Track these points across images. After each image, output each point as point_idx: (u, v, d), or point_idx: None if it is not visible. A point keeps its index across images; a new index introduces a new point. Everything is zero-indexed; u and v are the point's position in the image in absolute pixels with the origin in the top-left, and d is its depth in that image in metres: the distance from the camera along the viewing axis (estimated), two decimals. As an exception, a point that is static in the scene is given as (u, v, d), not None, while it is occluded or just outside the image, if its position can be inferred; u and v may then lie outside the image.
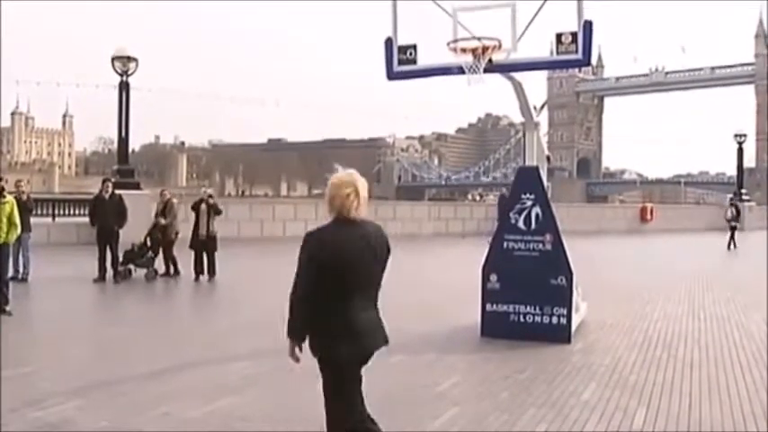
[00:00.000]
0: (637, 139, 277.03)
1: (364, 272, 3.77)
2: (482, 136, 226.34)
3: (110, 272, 13.06)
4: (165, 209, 13.99)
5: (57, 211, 22.20)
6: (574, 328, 8.52)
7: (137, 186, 21.22)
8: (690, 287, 13.78)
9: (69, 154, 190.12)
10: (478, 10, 7.93)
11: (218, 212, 14.03)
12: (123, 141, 21.81)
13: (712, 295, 12.75)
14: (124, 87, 21.15)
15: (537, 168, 8.89)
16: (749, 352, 8.12)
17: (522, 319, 8.42)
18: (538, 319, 8.38)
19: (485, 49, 7.85)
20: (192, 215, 13.96)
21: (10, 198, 9.87)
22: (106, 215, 13.17)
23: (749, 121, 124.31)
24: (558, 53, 7.99)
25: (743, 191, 41.36)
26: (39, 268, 13.05)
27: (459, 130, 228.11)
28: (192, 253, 13.61)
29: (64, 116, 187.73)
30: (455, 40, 7.96)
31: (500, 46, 7.89)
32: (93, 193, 14.66)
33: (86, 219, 14.46)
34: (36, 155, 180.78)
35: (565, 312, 8.33)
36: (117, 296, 12.14)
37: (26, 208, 11.95)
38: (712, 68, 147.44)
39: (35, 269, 12.89)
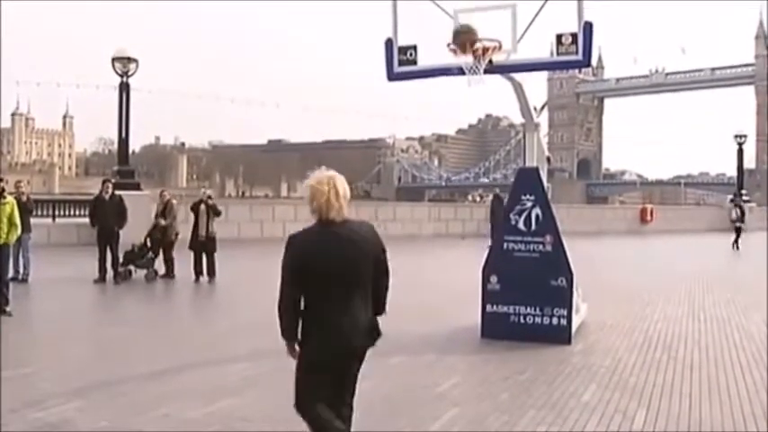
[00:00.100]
0: (637, 140, 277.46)
1: (347, 273, 3.73)
2: (482, 137, 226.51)
3: (110, 272, 13.06)
4: (165, 210, 13.99)
5: (57, 212, 22.18)
6: (574, 329, 8.51)
7: (137, 187, 21.23)
8: (690, 288, 13.78)
9: (69, 155, 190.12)
10: (479, 11, 7.93)
11: (218, 213, 14.03)
12: (123, 142, 21.84)
13: (712, 296, 12.75)
14: (124, 88, 21.17)
15: (537, 169, 8.89)
16: (749, 353, 8.12)
17: (522, 321, 8.42)
18: (538, 320, 8.37)
19: (485, 49, 7.84)
20: (192, 216, 13.97)
21: (10, 199, 9.88)
22: (106, 216, 13.17)
23: (749, 121, 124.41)
24: (558, 54, 7.98)
25: (743, 192, 41.32)
26: (39, 269, 13.05)
27: (460, 131, 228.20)
28: (192, 254, 13.60)
29: (64, 117, 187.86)
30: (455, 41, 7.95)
31: (500, 47, 7.88)
32: (94, 193, 14.66)
33: (86, 219, 14.46)
34: (36, 156, 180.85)
35: (565, 313, 8.33)
36: (117, 297, 12.14)
37: (26, 209, 11.95)
38: (712, 69, 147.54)
39: (35, 270, 12.89)
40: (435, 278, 15.20)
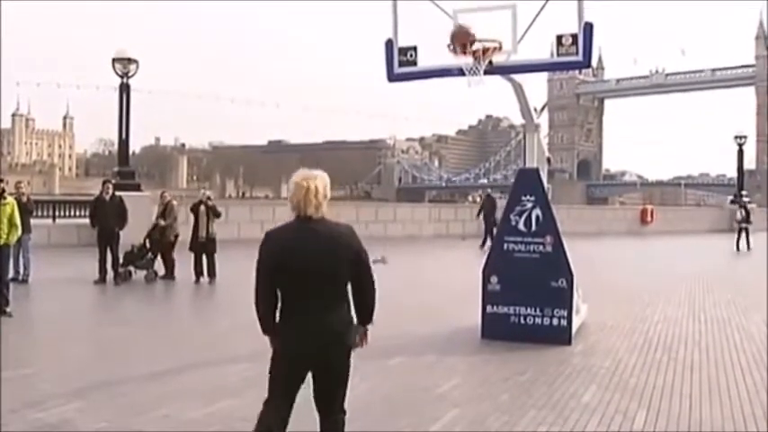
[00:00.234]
0: (637, 141, 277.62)
1: (318, 270, 3.70)
2: (482, 138, 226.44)
3: (110, 273, 13.06)
4: (166, 211, 13.99)
5: (57, 213, 22.16)
6: (574, 329, 8.52)
7: (137, 188, 21.23)
8: (690, 289, 13.77)
9: (70, 155, 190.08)
10: (479, 11, 7.93)
11: (218, 215, 14.01)
12: (124, 143, 21.84)
13: (713, 297, 12.74)
14: (124, 89, 21.16)
15: (537, 170, 8.89)
16: (749, 354, 8.12)
17: (522, 321, 8.42)
18: (538, 320, 8.38)
19: (485, 50, 7.84)
20: (192, 217, 13.96)
21: (11, 199, 9.88)
22: (107, 217, 13.17)
23: (749, 122, 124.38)
24: (558, 55, 7.99)
25: (743, 192, 41.31)
26: (39, 270, 13.04)
27: (460, 132, 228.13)
28: (192, 255, 13.60)
29: (64, 118, 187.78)
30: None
31: (500, 48, 7.89)
32: (94, 194, 14.67)
33: (87, 220, 14.45)
34: (36, 156, 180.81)
35: (565, 314, 8.33)
36: (117, 297, 12.15)
37: (26, 209, 11.94)
38: (713, 70, 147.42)
39: (35, 271, 12.89)
40: (435, 278, 15.19)
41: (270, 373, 3.87)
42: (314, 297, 3.73)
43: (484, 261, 8.86)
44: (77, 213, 21.90)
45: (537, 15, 7.75)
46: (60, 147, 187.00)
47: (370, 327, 3.95)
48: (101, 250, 13.03)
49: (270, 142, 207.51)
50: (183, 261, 13.71)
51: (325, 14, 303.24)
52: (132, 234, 13.81)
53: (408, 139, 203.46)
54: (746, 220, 26.23)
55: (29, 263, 12.79)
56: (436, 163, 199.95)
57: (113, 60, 21.01)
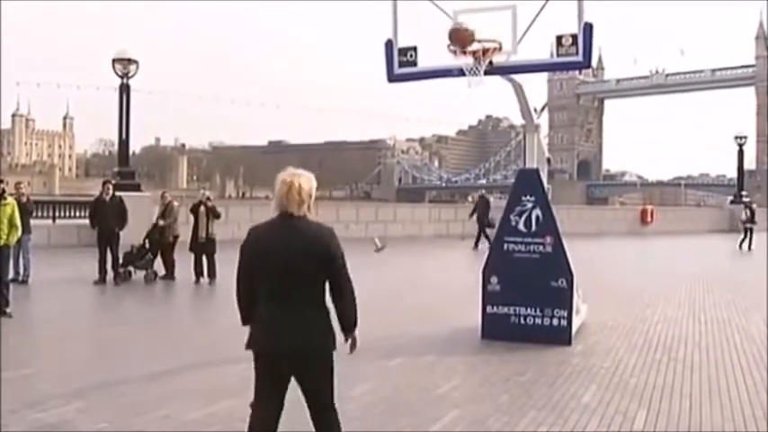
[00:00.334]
0: (637, 141, 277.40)
1: (291, 271, 3.68)
2: (482, 138, 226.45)
3: (110, 274, 13.06)
4: (166, 211, 13.99)
5: (57, 213, 22.17)
6: (574, 330, 8.52)
7: (137, 188, 21.22)
8: (690, 290, 13.78)
9: (70, 156, 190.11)
10: (479, 12, 7.93)
11: (217, 216, 14.00)
12: (124, 143, 21.84)
13: (713, 298, 12.74)
14: (125, 89, 21.16)
15: (537, 170, 8.89)
16: (749, 354, 8.12)
17: (522, 321, 8.42)
18: (538, 321, 8.37)
19: (485, 51, 7.85)
20: (191, 218, 13.96)
21: (11, 200, 9.88)
22: (107, 217, 13.17)
23: (749, 122, 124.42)
24: (558, 55, 7.98)
25: (743, 193, 41.34)
26: (39, 270, 13.05)
27: (460, 132, 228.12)
28: (192, 255, 13.61)
29: (64, 118, 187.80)
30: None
31: (500, 48, 7.89)
32: (94, 195, 14.66)
33: (87, 221, 14.44)
34: (36, 157, 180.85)
35: (565, 314, 8.33)
36: (117, 298, 12.15)
37: (26, 210, 11.94)
38: (713, 70, 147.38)
39: (35, 271, 12.89)
40: (436, 279, 15.20)
41: (255, 372, 3.90)
42: (287, 296, 3.71)
43: (484, 261, 8.86)
44: (77, 214, 21.89)
45: (537, 16, 7.75)
46: (60, 147, 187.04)
47: (356, 333, 3.88)
48: (101, 250, 13.03)
49: (270, 143, 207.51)
50: (183, 261, 13.71)
51: (325, 15, 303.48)
52: (132, 234, 13.81)
53: (408, 140, 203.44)
54: (751, 220, 26.29)
55: (29, 263, 12.79)
56: (436, 163, 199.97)
57: (113, 61, 21.00)
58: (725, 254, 24.69)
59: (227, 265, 14.87)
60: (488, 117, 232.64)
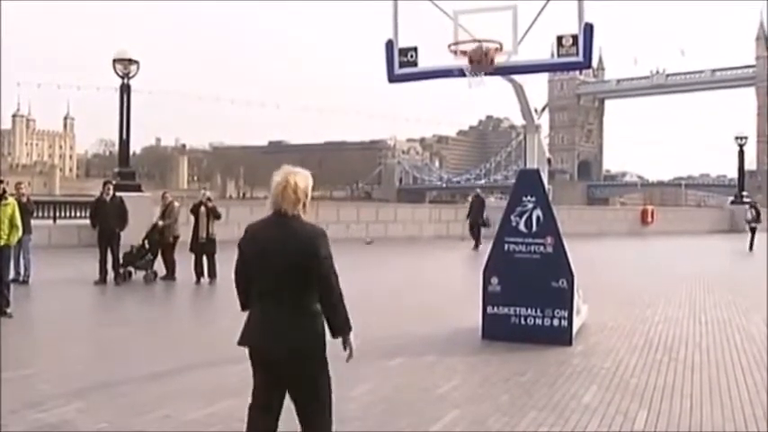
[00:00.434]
0: (638, 142, 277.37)
1: (274, 271, 3.67)
2: (483, 138, 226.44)
3: (110, 274, 13.06)
4: (166, 211, 14.00)
5: (58, 214, 22.18)
6: (575, 330, 8.51)
7: (138, 189, 21.22)
8: (691, 290, 13.77)
9: (70, 156, 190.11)
10: (479, 12, 7.94)
11: (218, 216, 14.01)
12: (124, 143, 21.85)
13: (713, 298, 12.74)
14: (125, 90, 21.16)
15: (538, 171, 8.89)
16: (750, 354, 8.12)
17: (522, 322, 8.42)
18: (539, 321, 8.37)
19: (486, 51, 7.84)
20: (192, 218, 13.97)
21: (11, 200, 9.88)
22: (107, 217, 13.17)
23: (750, 123, 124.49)
24: (558, 55, 7.99)
25: (744, 193, 41.34)
26: (39, 270, 13.05)
27: (460, 133, 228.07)
28: (193, 256, 13.61)
29: (65, 118, 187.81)
30: (456, 43, 7.96)
31: (501, 48, 7.89)
32: (95, 195, 14.67)
33: (87, 221, 14.44)
34: (37, 157, 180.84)
35: (566, 315, 8.33)
36: (118, 298, 12.14)
37: (26, 210, 11.94)
38: (713, 71, 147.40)
39: (36, 271, 12.89)
40: (436, 279, 15.20)
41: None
42: (279, 296, 3.68)
43: (484, 262, 8.85)
44: (78, 214, 21.91)
45: (537, 16, 7.76)
46: (61, 147, 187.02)
47: (352, 338, 3.79)
48: (101, 251, 13.03)
49: (270, 143, 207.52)
50: (184, 262, 13.71)
51: (325, 15, 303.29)
52: (132, 235, 13.81)
53: (409, 140, 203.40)
54: (756, 219, 26.35)
55: (29, 264, 12.79)
56: (437, 163, 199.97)
57: (114, 61, 21.00)
58: (725, 254, 24.68)
59: (228, 265, 14.89)
60: (489, 117, 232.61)
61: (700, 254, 24.45)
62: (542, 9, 7.75)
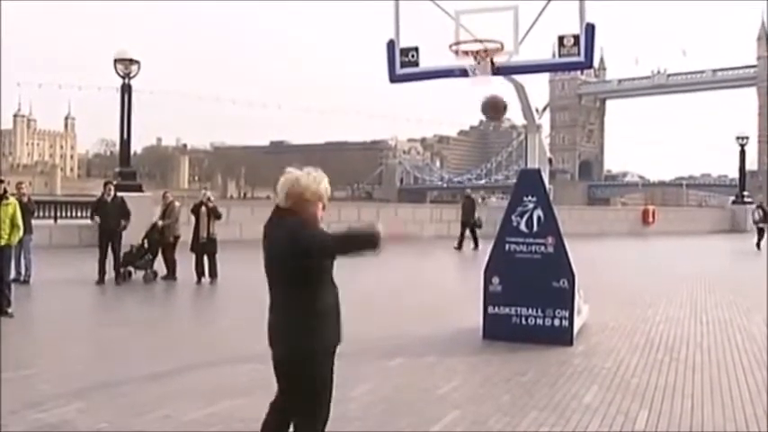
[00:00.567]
0: (639, 142, 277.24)
1: (269, 267, 3.68)
2: (484, 138, 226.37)
3: (110, 274, 13.05)
4: (167, 211, 14.00)
5: (59, 214, 22.18)
6: (576, 330, 8.51)
7: (139, 188, 21.20)
8: (692, 290, 13.76)
9: (71, 156, 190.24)
10: (480, 12, 7.93)
11: (218, 216, 14.00)
12: (125, 143, 21.85)
13: (714, 298, 12.73)
14: (126, 89, 21.16)
15: (539, 171, 8.88)
16: (751, 354, 8.11)
17: (523, 322, 8.41)
18: (540, 321, 8.36)
19: (487, 51, 7.84)
20: (193, 218, 13.97)
21: (12, 200, 9.88)
22: (108, 218, 13.17)
23: (751, 123, 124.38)
24: (560, 55, 7.99)
25: (745, 193, 41.32)
26: (40, 270, 13.05)
27: (461, 133, 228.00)
28: (193, 256, 13.61)
29: (66, 118, 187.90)
30: (457, 43, 7.96)
31: (502, 48, 7.89)
32: (96, 195, 14.67)
33: (88, 221, 14.42)
34: (38, 157, 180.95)
35: (567, 315, 8.32)
36: (118, 298, 12.14)
37: (27, 210, 11.94)
38: (714, 71, 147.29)
39: (37, 271, 12.89)
40: (436, 279, 15.19)
41: None
42: (272, 293, 3.70)
43: (485, 262, 8.85)
44: (79, 214, 21.90)
45: (539, 16, 7.75)
46: (62, 147, 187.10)
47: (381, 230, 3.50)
48: (101, 250, 13.03)
49: (271, 143, 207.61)
50: (185, 262, 13.71)
51: (326, 15, 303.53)
52: (133, 234, 13.81)
53: (410, 140, 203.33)
54: (764, 219, 26.38)
55: (30, 263, 12.79)
56: (438, 163, 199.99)
57: (115, 61, 20.99)
58: (726, 254, 24.66)
59: (229, 265, 14.93)
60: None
61: (701, 254, 24.43)
62: (543, 9, 7.74)
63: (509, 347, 8.03)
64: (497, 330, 8.44)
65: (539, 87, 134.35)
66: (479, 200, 48.86)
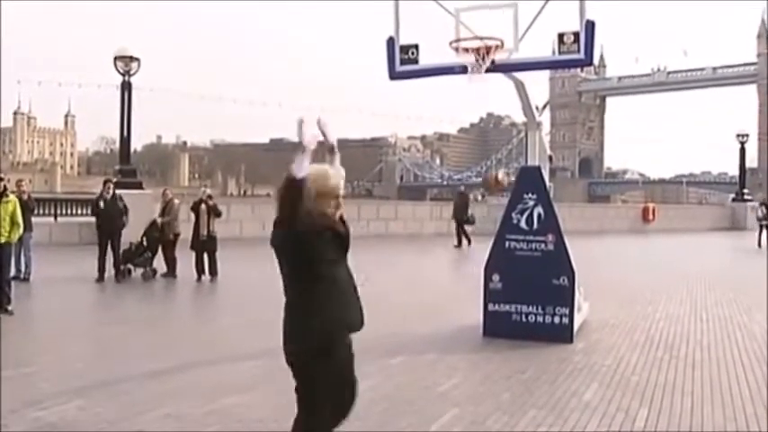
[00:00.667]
0: (639, 139, 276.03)
1: (278, 258, 3.70)
2: (484, 136, 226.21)
3: (110, 271, 13.05)
4: (166, 208, 14.00)
5: (59, 211, 22.19)
6: (576, 328, 8.50)
7: (139, 186, 21.23)
8: (692, 287, 13.75)
9: (71, 154, 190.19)
10: (481, 9, 7.92)
11: (218, 214, 13.99)
12: (125, 141, 21.85)
13: (715, 295, 12.72)
14: (126, 87, 21.16)
15: (539, 168, 8.87)
16: (751, 352, 8.11)
17: (524, 319, 8.41)
18: (540, 318, 8.36)
19: (487, 48, 7.83)
20: (193, 216, 13.97)
21: (13, 197, 9.88)
22: (108, 216, 13.16)
23: (751, 120, 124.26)
24: (560, 53, 7.99)
25: (745, 191, 41.31)
26: (40, 268, 13.05)
27: (461, 130, 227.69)
28: (193, 253, 13.61)
29: (66, 116, 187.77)
30: (457, 40, 7.95)
31: (502, 45, 7.88)
32: (96, 192, 14.67)
33: (88, 219, 14.43)
34: (38, 155, 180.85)
35: (567, 312, 8.32)
36: (118, 296, 12.14)
37: (27, 207, 11.93)
38: (714, 68, 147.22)
39: (37, 269, 12.89)
40: (437, 277, 15.19)
41: None
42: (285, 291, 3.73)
43: (485, 259, 8.84)
44: (79, 212, 21.92)
45: (539, 13, 7.75)
46: (62, 145, 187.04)
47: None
48: (101, 248, 13.03)
49: (271, 140, 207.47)
50: (185, 259, 13.71)
51: (326, 12, 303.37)
52: (133, 232, 13.82)
53: (410, 137, 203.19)
54: (767, 217, 26.40)
55: (30, 261, 12.79)
56: (438, 161, 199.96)
57: (115, 58, 20.98)
58: (727, 252, 24.66)
59: (229, 262, 14.93)
60: (490, 115, 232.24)
61: (701, 251, 24.44)
62: (543, 6, 7.74)
63: (509, 345, 8.02)
64: (498, 328, 8.44)
65: (539, 85, 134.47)
66: (479, 197, 48.81)
